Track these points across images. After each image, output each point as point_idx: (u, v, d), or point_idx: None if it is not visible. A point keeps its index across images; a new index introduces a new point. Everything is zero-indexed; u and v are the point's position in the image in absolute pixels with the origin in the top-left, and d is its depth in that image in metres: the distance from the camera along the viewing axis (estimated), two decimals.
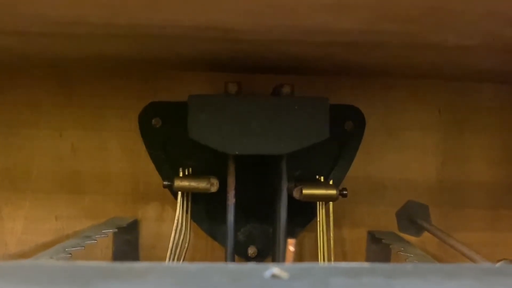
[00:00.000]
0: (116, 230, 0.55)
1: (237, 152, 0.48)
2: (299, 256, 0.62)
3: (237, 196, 0.52)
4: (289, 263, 0.30)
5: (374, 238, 0.60)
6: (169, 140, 0.59)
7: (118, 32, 0.34)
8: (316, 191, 0.52)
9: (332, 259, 0.53)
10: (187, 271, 0.24)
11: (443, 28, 0.31)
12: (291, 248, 0.31)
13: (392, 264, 0.25)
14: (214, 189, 0.51)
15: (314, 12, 0.30)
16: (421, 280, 0.23)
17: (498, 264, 0.39)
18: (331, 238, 0.53)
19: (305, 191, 0.51)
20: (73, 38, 0.36)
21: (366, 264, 0.25)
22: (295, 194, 0.52)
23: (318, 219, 0.53)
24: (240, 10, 0.30)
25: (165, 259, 0.52)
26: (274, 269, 0.24)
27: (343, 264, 0.25)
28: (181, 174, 0.52)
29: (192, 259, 0.60)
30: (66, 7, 0.27)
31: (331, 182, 0.53)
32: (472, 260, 0.47)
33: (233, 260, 0.52)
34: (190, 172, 0.55)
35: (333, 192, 0.52)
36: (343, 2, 0.27)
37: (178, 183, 0.51)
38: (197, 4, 0.27)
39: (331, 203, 0.53)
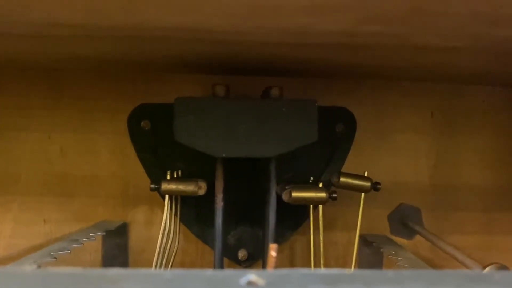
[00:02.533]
0: (104, 233, 0.54)
1: (224, 155, 0.47)
2: (290, 259, 0.61)
3: (227, 198, 0.51)
4: (271, 268, 0.30)
5: (366, 241, 0.59)
6: (159, 142, 0.59)
7: (99, 34, 0.33)
8: (305, 194, 0.52)
9: (322, 262, 0.53)
10: (162, 278, 0.23)
11: (426, 30, 0.30)
12: (273, 253, 0.31)
13: (372, 271, 0.24)
14: (201, 192, 0.51)
15: (296, 14, 0.29)
16: None
17: (486, 269, 0.38)
18: (321, 241, 0.53)
19: (294, 194, 0.51)
20: (54, 39, 0.36)
21: (345, 271, 0.24)
22: (284, 197, 0.51)
23: (310, 222, 0.53)
24: (221, 12, 0.30)
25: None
26: (251, 276, 0.23)
27: (323, 271, 0.25)
28: (168, 177, 0.52)
29: (182, 262, 0.60)
30: (40, 10, 0.27)
31: (320, 185, 0.52)
32: (463, 264, 0.46)
33: (221, 263, 0.51)
34: (180, 175, 0.54)
35: (323, 195, 0.51)
36: (324, 4, 0.27)
37: (165, 186, 0.51)
38: (175, 7, 0.27)
39: (321, 206, 0.53)
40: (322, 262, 0.53)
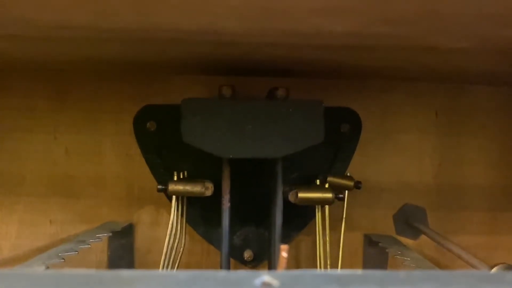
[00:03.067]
0: (110, 234, 0.54)
1: (231, 156, 0.47)
2: (295, 260, 0.61)
3: (233, 199, 0.52)
4: (281, 269, 0.30)
5: (371, 241, 0.59)
6: (164, 143, 0.59)
7: (109, 36, 0.33)
8: (312, 194, 0.52)
9: (329, 262, 0.53)
10: (176, 279, 0.23)
11: (436, 31, 0.30)
12: (284, 254, 0.31)
13: (385, 272, 0.24)
14: (208, 193, 0.51)
15: (307, 16, 0.29)
16: None
17: (494, 269, 0.38)
18: (327, 242, 0.53)
19: (300, 195, 0.51)
20: (63, 41, 0.36)
21: (358, 272, 0.25)
22: (291, 198, 0.51)
23: (317, 223, 0.53)
24: (232, 14, 0.30)
25: (160, 263, 0.52)
26: (265, 277, 0.23)
27: (335, 272, 0.25)
28: (175, 178, 0.52)
29: (188, 263, 0.60)
30: (52, 12, 0.27)
31: (327, 186, 0.52)
32: (469, 263, 0.46)
33: (228, 264, 0.51)
34: (186, 176, 0.54)
35: (329, 195, 0.51)
36: (335, 6, 0.27)
37: (172, 187, 0.51)
38: (187, 9, 0.27)
39: (327, 206, 0.53)
40: (328, 262, 0.53)
